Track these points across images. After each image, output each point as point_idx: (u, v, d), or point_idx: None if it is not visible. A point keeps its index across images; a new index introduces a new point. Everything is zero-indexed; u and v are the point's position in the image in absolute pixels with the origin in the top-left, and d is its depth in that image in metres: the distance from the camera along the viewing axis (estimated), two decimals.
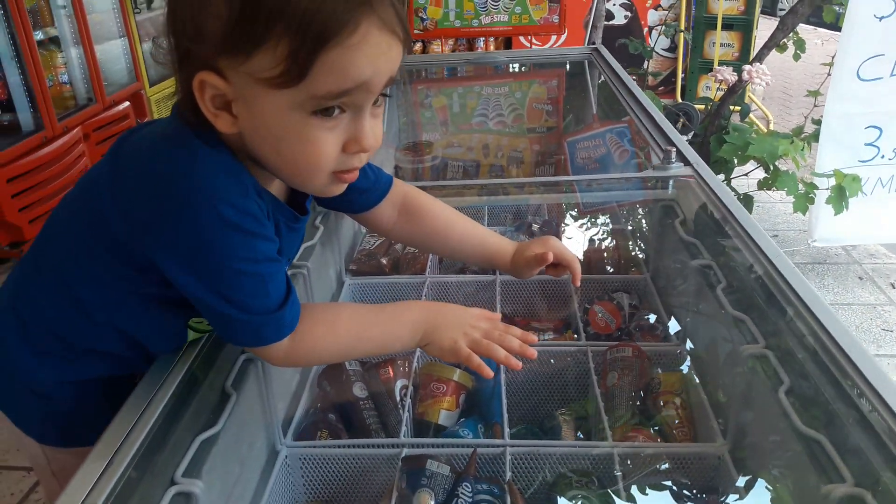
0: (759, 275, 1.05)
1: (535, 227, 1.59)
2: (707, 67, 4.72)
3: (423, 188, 1.10)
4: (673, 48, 4.88)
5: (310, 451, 1.04)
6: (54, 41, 3.49)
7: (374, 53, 0.67)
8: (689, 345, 1.24)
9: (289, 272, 1.17)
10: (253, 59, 0.65)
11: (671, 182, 1.38)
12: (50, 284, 0.82)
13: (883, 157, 3.15)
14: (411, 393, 1.15)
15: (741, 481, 0.97)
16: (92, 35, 3.72)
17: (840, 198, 2.81)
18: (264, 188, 0.77)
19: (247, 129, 0.70)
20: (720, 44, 4.67)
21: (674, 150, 1.37)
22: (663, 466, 1.05)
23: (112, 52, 4.08)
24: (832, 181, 2.80)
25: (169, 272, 0.72)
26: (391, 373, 1.15)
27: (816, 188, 2.81)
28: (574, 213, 1.61)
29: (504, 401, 1.12)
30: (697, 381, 1.15)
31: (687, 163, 1.38)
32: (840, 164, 2.94)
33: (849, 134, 3.02)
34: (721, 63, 4.41)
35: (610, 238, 1.57)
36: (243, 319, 0.74)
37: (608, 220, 1.62)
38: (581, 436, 1.12)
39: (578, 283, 1.03)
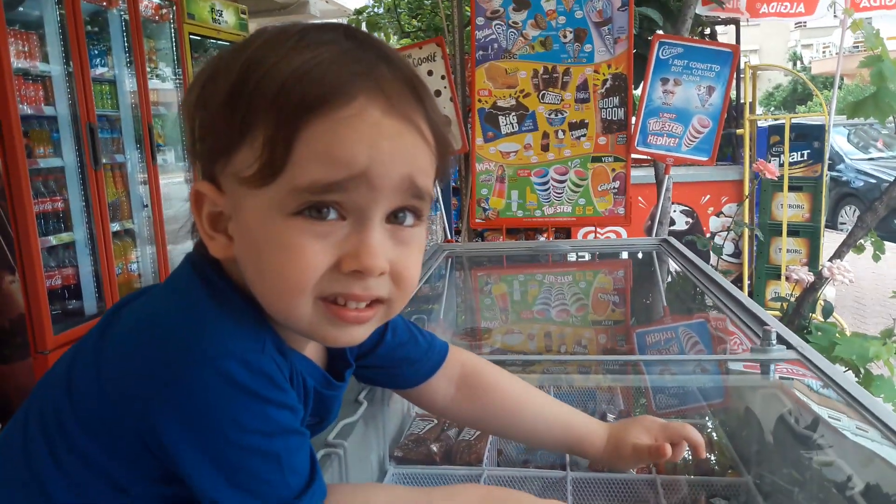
0: None
1: (611, 417, 1.38)
2: (774, 273, 4.60)
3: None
4: (738, 254, 4.81)
5: None
6: (129, 233, 3.66)
7: (372, 135, 0.53)
8: None
9: (322, 452, 1.01)
10: (237, 154, 0.55)
11: (772, 367, 1.19)
12: (19, 488, 0.63)
13: None
14: None
15: None
16: (167, 234, 3.90)
17: None
18: (291, 347, 0.64)
19: (238, 249, 0.58)
20: (787, 250, 4.58)
21: (773, 330, 1.20)
22: None
23: (184, 251, 4.26)
24: None
25: (163, 442, 0.56)
26: None
27: None
28: (659, 400, 1.41)
29: None
30: None
31: (790, 346, 1.19)
32: None
33: None
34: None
35: (700, 433, 1.34)
36: None
37: (696, 412, 1.40)
38: None
39: (704, 454, 0.83)
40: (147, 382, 0.56)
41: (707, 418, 1.38)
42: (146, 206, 3.74)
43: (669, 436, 0.83)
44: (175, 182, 4.25)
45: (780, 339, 1.21)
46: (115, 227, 3.45)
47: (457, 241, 2.43)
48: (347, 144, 0.53)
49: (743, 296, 1.49)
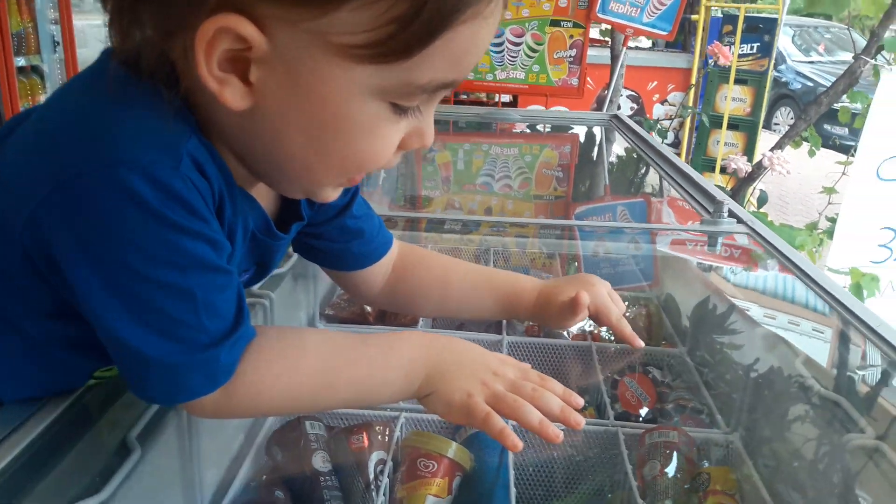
0: (855, 344, 0.82)
1: None
2: (709, 165, 4.65)
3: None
4: (676, 143, 4.82)
5: None
6: (37, 71, 3.32)
7: (493, 27, 0.48)
8: (743, 433, 0.98)
9: (249, 299, 0.93)
10: (339, 13, 0.43)
11: (720, 240, 1.16)
12: None
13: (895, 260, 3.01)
14: (390, 470, 0.87)
15: None
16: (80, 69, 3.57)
17: (857, 297, 2.65)
18: (234, 180, 0.53)
19: (269, 106, 0.47)
20: (724, 143, 4.61)
21: (725, 204, 1.16)
22: None
23: None
24: (848, 279, 2.65)
25: (54, 258, 0.47)
26: (365, 441, 0.88)
27: None
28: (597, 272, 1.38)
29: (513, 489, 0.84)
30: (759, 479, 0.89)
31: (740, 220, 1.16)
32: (852, 263, 2.80)
33: (863, 233, 2.89)
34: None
35: (638, 303, 1.33)
36: (157, 356, 0.48)
37: (636, 285, 1.39)
38: None
39: (638, 343, 0.76)
40: (37, 185, 0.45)
41: (645, 290, 1.36)
42: (58, 43, 3.38)
43: (600, 306, 0.76)
44: (93, 24, 3.85)
45: (731, 214, 1.18)
46: (21, 61, 3.11)
47: None
48: (477, 49, 0.48)
49: (694, 172, 1.45)
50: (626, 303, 1.35)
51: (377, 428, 0.90)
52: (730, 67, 4.37)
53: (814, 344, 0.93)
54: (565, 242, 1.53)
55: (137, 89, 0.47)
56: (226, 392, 0.51)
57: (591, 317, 0.76)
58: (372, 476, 0.86)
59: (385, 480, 0.85)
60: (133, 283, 0.46)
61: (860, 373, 0.83)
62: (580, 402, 0.61)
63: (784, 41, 9.51)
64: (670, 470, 0.88)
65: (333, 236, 0.74)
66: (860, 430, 0.73)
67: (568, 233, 1.54)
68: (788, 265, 0.99)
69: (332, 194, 0.57)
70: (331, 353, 0.58)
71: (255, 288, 0.96)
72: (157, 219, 0.45)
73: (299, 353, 0.57)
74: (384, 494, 0.83)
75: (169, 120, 0.48)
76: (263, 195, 0.60)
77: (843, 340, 0.85)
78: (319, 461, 0.86)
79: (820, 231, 2.78)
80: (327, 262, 0.78)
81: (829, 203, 3.02)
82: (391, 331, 1.20)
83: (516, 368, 0.62)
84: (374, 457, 0.88)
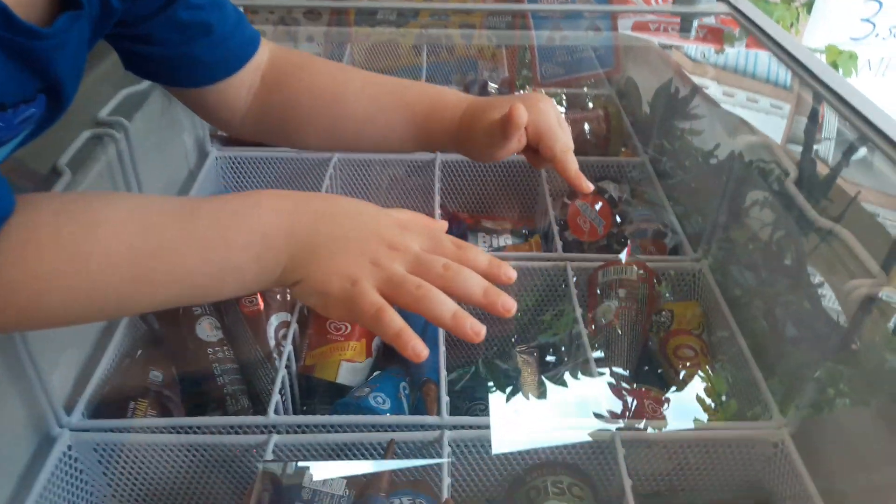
0: (863, 157, 0.65)
1: (493, 87, 1.14)
2: None
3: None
4: None
5: (114, 437, 0.61)
6: None
7: None
8: (713, 260, 0.85)
9: (87, 133, 0.72)
10: None
11: (695, 23, 0.94)
12: None
13: (877, 35, 2.80)
14: (295, 335, 0.73)
15: (812, 483, 0.61)
16: None
17: None
18: None
19: None
20: None
21: None
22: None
23: None
24: (824, 57, 2.46)
25: None
26: (261, 303, 0.72)
27: None
28: (545, 69, 1.17)
29: (441, 348, 0.71)
30: (731, 318, 0.76)
31: None
32: (831, 39, 2.60)
33: (846, 6, 2.65)
34: None
35: (591, 105, 1.13)
36: None
37: (591, 78, 1.18)
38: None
39: (585, 186, 0.55)
40: None
41: (605, 78, 1.16)
42: None
43: (543, 127, 0.54)
44: None
45: None
46: None
47: None
48: None
49: None
50: (589, 102, 1.15)
51: None
52: None
53: (773, 121, 0.77)
54: (517, 33, 1.29)
55: None
56: None
57: (529, 145, 0.55)
58: (273, 343, 0.71)
59: (289, 347, 0.70)
60: None
61: (837, 156, 0.69)
62: (512, 274, 0.43)
63: None
64: (629, 312, 0.76)
65: (167, 38, 0.50)
66: (862, 269, 0.58)
67: (520, 20, 1.30)
68: (776, 49, 0.79)
69: None
70: (143, 231, 0.39)
71: (103, 114, 0.74)
72: None
73: (90, 236, 0.37)
74: (288, 365, 0.69)
75: None
76: None
77: (848, 150, 0.68)
78: (206, 329, 0.71)
79: (798, 3, 2.52)
80: (166, 77, 0.54)
81: None
82: (300, 155, 1.00)
83: (423, 235, 0.43)
84: (274, 320, 0.73)
